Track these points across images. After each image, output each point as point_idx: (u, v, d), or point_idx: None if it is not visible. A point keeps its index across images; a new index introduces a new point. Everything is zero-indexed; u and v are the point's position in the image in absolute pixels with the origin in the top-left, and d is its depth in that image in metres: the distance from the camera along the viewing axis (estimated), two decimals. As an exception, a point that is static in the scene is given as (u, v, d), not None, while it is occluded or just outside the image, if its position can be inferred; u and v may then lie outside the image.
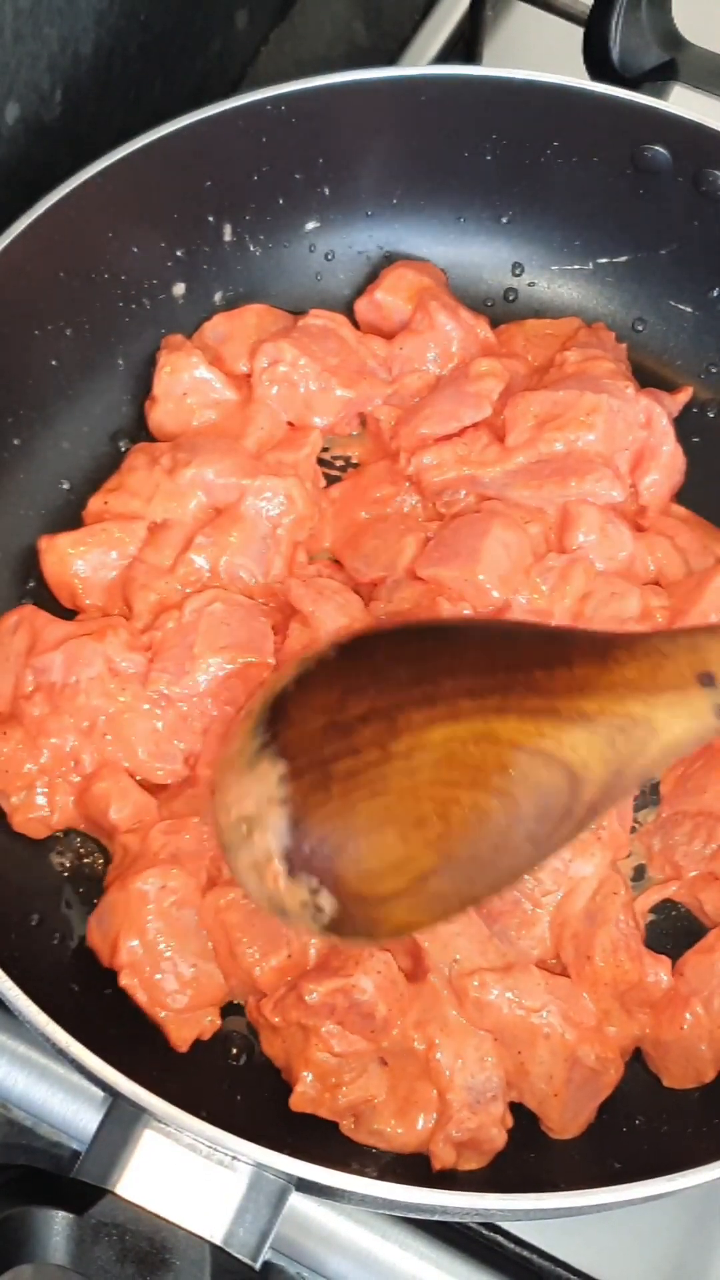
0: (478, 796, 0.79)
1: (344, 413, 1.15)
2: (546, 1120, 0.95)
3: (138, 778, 1.02)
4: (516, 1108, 0.96)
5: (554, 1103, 0.94)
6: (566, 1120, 0.95)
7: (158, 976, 0.95)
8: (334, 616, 1.04)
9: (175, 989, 0.96)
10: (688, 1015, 0.96)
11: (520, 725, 0.78)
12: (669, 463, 1.13)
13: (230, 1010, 0.99)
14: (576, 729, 0.78)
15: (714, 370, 1.22)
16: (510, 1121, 0.95)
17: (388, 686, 0.81)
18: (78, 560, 1.09)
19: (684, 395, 1.19)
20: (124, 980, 0.95)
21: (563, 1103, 0.94)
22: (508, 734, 0.78)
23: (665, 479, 1.14)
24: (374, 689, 0.81)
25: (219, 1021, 0.97)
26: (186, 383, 1.15)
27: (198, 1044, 0.97)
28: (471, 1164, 0.94)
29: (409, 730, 0.79)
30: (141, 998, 0.95)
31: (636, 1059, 0.99)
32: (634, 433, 1.12)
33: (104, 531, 1.09)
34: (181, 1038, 0.96)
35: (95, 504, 1.12)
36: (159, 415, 1.15)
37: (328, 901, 0.79)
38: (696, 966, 0.98)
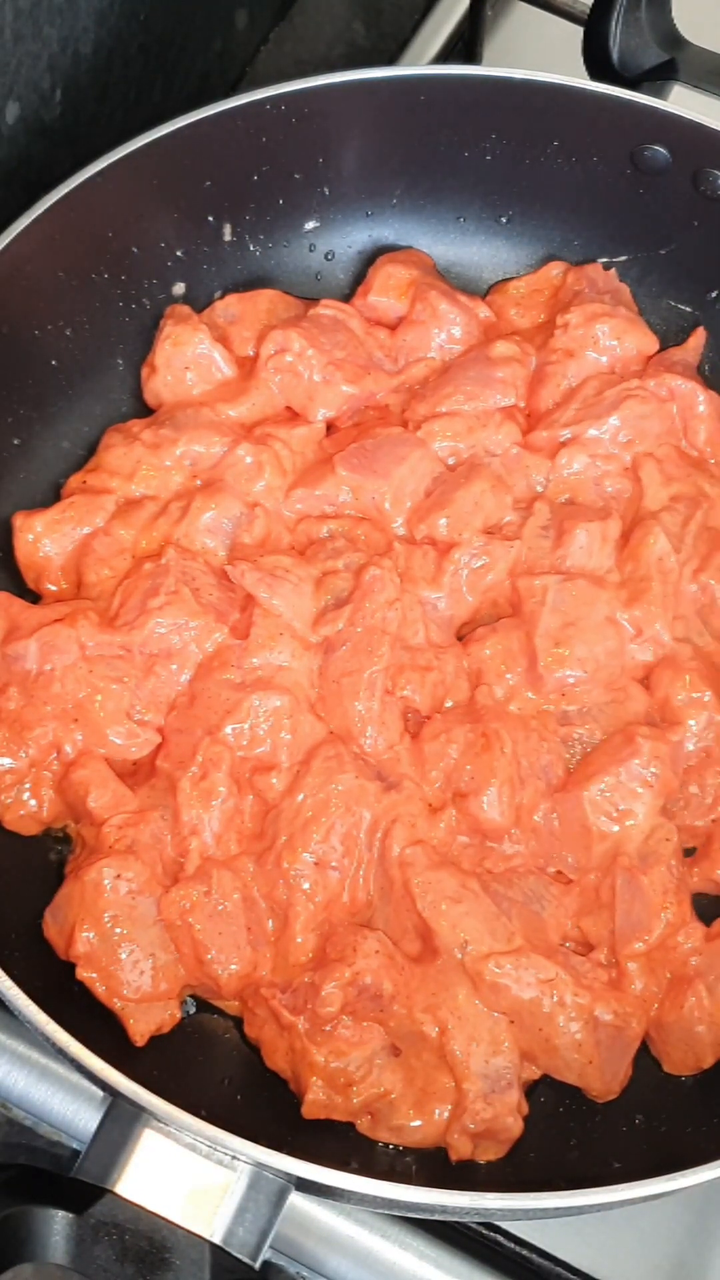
0: None
1: (347, 407, 1.15)
2: (590, 1090, 0.96)
3: (115, 760, 1.01)
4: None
5: (591, 1070, 0.95)
6: (608, 1080, 0.95)
7: (115, 968, 0.94)
8: (291, 599, 1.04)
9: (133, 979, 0.94)
10: (690, 997, 0.96)
11: None
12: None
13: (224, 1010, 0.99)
14: None
15: (708, 370, 1.22)
16: (526, 1109, 0.95)
17: None
18: (45, 539, 1.08)
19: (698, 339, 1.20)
20: (82, 973, 0.94)
21: (599, 1067, 0.95)
22: None
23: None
24: None
25: (179, 1014, 0.97)
26: (189, 357, 1.14)
27: (197, 1044, 0.97)
28: (489, 1154, 0.94)
29: None
30: (100, 989, 0.94)
31: (640, 1054, 0.99)
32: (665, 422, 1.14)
33: (72, 507, 1.09)
34: (139, 1030, 0.95)
35: (74, 483, 1.12)
36: (156, 385, 1.15)
37: None
38: (706, 951, 0.98)
